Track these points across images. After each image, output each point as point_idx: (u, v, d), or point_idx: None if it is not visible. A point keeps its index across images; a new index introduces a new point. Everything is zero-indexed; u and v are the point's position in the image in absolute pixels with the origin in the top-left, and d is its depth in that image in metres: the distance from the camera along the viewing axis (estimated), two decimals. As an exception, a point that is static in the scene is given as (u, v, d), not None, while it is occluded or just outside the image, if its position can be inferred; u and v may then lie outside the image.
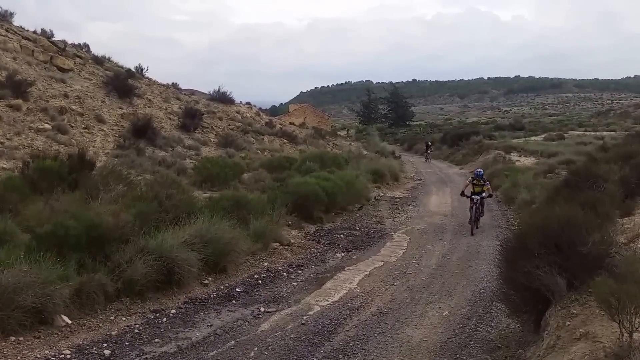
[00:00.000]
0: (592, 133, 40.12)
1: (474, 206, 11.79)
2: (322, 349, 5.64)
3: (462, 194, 12.50)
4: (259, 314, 6.68)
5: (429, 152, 33.64)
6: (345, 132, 57.10)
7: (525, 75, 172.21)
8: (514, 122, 57.50)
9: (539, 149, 28.18)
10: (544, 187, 13.76)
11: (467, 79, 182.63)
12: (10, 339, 5.33)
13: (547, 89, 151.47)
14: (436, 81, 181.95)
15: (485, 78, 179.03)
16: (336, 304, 7.10)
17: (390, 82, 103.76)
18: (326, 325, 6.31)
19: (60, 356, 5.22)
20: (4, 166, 13.41)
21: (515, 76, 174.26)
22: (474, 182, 12.40)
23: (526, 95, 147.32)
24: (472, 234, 11.32)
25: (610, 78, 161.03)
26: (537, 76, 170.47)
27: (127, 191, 9.90)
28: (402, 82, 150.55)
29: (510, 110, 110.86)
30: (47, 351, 5.27)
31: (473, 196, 11.98)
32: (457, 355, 5.45)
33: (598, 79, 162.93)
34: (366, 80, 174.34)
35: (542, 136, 39.82)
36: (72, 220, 6.85)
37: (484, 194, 12.17)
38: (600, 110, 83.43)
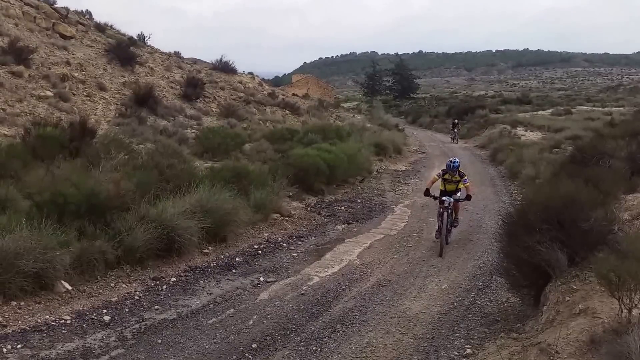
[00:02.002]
0: (600, 108, 39.60)
1: (445, 212, 8.27)
2: (321, 318, 5.69)
3: (427, 193, 8.57)
4: (258, 284, 6.72)
5: (455, 130, 28.87)
6: (355, 105, 56.49)
7: (534, 49, 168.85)
8: (521, 96, 56.69)
9: (546, 123, 27.86)
10: (549, 163, 13.64)
11: (474, 51, 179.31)
12: (11, 303, 5.38)
13: (556, 63, 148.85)
14: (443, 53, 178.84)
15: (494, 51, 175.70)
16: (335, 275, 7.13)
17: (396, 54, 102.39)
18: (325, 295, 6.35)
19: (61, 321, 5.27)
20: (6, 133, 13.36)
21: (524, 49, 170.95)
22: (445, 176, 8.64)
23: (534, 69, 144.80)
24: (441, 255, 7.94)
25: (620, 53, 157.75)
26: (546, 50, 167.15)
27: (128, 160, 9.88)
28: (408, 53, 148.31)
29: (518, 84, 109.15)
30: (47, 316, 5.33)
31: (443, 197, 8.39)
32: (455, 328, 5.48)
33: (608, 54, 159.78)
34: (371, 52, 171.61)
35: (550, 111, 39.33)
36: (72, 188, 6.84)
37: (459, 195, 8.57)
38: (610, 86, 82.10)
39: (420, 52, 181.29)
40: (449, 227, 8.52)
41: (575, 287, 4.56)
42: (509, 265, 5.51)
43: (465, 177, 8.63)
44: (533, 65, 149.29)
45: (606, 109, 38.45)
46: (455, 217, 8.75)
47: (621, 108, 38.08)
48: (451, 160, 8.65)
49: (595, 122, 25.48)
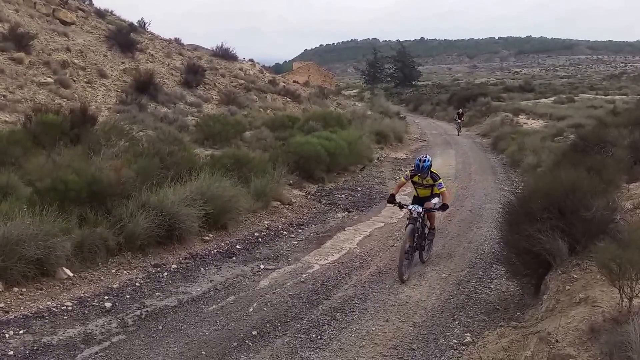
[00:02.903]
0: (603, 96, 39.39)
1: (412, 225, 6.48)
2: (320, 306, 5.71)
3: (392, 199, 6.83)
4: (258, 271, 6.74)
5: (460, 121, 26.76)
6: (356, 92, 56.14)
7: (537, 36, 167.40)
8: (524, 84, 56.40)
9: (548, 111, 27.72)
10: (551, 151, 13.58)
11: (477, 38, 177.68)
12: (13, 289, 5.41)
13: (559, 50, 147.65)
14: (445, 40, 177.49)
15: (496, 38, 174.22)
16: (335, 263, 7.14)
17: (398, 41, 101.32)
18: (325, 283, 6.37)
19: (62, 307, 5.30)
20: (7, 119, 13.33)
21: (527, 36, 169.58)
22: (415, 179, 6.88)
23: (537, 56, 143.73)
24: (402, 280, 6.32)
25: (625, 40, 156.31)
26: (549, 37, 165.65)
27: (129, 147, 9.85)
28: (410, 40, 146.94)
29: (521, 71, 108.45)
30: (49, 302, 5.35)
31: (412, 207, 6.66)
32: (455, 316, 5.50)
33: (612, 41, 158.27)
34: (372, 39, 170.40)
35: (552, 99, 39.12)
36: (73, 175, 6.83)
37: (434, 202, 6.81)
38: (613, 74, 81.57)
39: (422, 39, 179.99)
40: (418, 248, 6.81)
41: (575, 276, 4.56)
42: (510, 253, 5.51)
43: (440, 181, 6.73)
44: (536, 52, 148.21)
45: (609, 97, 38.23)
46: (431, 228, 7.13)
47: (624, 96, 37.88)
48: (420, 159, 6.68)
49: (598, 111, 25.35)
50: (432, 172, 6.77)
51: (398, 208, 6.99)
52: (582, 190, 5.08)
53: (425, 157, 6.77)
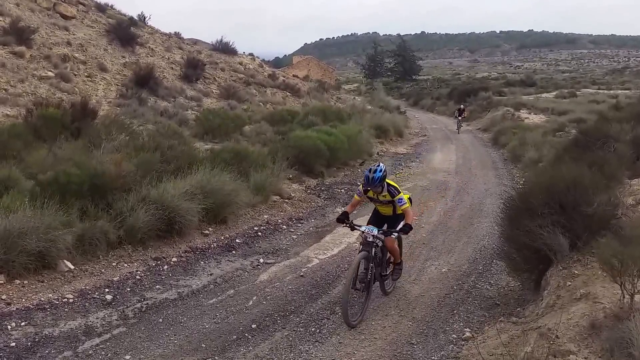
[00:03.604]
0: (605, 91, 39.29)
1: (365, 252, 5.13)
2: (320, 300, 5.72)
3: (342, 218, 5.39)
4: (258, 265, 6.74)
5: (460, 118, 24.82)
6: (356, 87, 55.97)
7: (539, 30, 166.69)
8: (525, 78, 56.23)
9: (550, 106, 27.65)
10: (553, 146, 13.55)
11: (478, 32, 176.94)
12: (15, 282, 5.42)
13: (561, 44, 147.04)
14: (446, 34, 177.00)
15: (498, 32, 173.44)
16: (335, 257, 7.14)
17: (398, 35, 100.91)
18: (324, 277, 6.37)
19: (63, 300, 5.32)
20: (8, 113, 13.32)
21: (529, 30, 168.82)
22: (369, 194, 5.50)
23: (539, 50, 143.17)
24: (349, 325, 5.02)
25: (628, 34, 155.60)
26: (551, 31, 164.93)
27: (129, 141, 9.83)
28: (411, 34, 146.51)
29: (522, 65, 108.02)
30: (50, 295, 5.37)
31: (365, 229, 5.25)
32: (454, 311, 5.50)
33: (615, 35, 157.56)
34: (373, 33, 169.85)
35: (554, 93, 39.04)
36: (74, 168, 6.83)
37: (399, 228, 5.29)
38: (616, 68, 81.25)
39: (422, 33, 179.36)
40: (383, 272, 5.51)
41: (576, 271, 4.56)
42: (510, 249, 5.50)
43: (401, 196, 5.33)
44: (537, 46, 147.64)
45: (612, 91, 38.11)
46: (395, 264, 5.68)
47: (627, 91, 37.78)
48: (371, 169, 5.25)
49: (600, 105, 25.31)
50: (388, 184, 5.34)
51: (350, 229, 5.38)
52: (583, 186, 5.06)
53: (378, 166, 5.29)
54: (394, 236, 5.45)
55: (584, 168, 5.69)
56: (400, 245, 5.82)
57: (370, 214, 5.83)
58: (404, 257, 6.04)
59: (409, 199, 5.56)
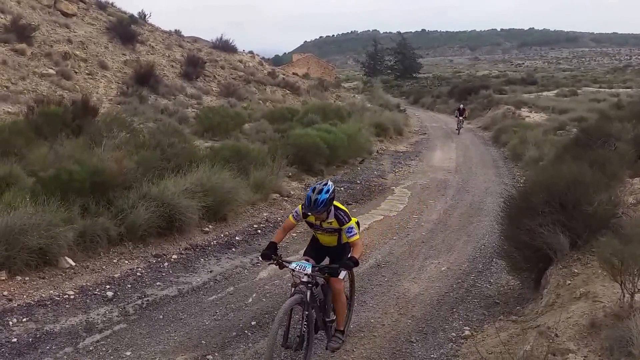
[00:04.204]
0: (607, 90, 39.19)
1: (298, 296, 3.90)
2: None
3: (266, 254, 4.10)
4: (257, 262, 6.74)
5: (461, 118, 23.74)
6: (356, 85, 55.85)
7: (540, 28, 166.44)
8: (526, 77, 56.08)
9: (551, 105, 27.62)
10: (553, 145, 13.55)
11: (479, 30, 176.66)
12: (16, 278, 5.44)
13: (562, 42, 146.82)
14: (446, 32, 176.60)
15: (498, 29, 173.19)
16: (336, 255, 7.14)
17: (398, 32, 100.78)
18: (325, 275, 6.37)
19: (65, 296, 5.33)
20: (9, 110, 13.33)
21: (530, 28, 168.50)
22: (309, 219, 4.30)
23: (540, 48, 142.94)
24: None
25: (630, 32, 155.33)
26: (552, 29, 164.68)
27: (130, 138, 9.85)
28: (411, 32, 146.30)
29: (523, 64, 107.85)
30: (51, 291, 5.38)
31: (295, 265, 3.99)
32: (454, 309, 5.51)
33: (617, 33, 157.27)
34: (373, 30, 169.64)
35: (555, 92, 38.94)
36: (75, 166, 6.85)
37: (342, 263, 4.05)
38: (617, 66, 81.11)
39: (423, 30, 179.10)
40: (325, 318, 4.23)
41: (576, 270, 4.56)
42: (510, 247, 5.50)
43: (351, 225, 4.13)
44: (538, 44, 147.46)
45: (613, 90, 38.04)
46: (336, 332, 4.32)
47: (629, 89, 37.69)
48: (315, 188, 4.07)
49: (601, 104, 25.27)
50: (337, 209, 4.17)
51: (279, 268, 4.11)
52: (584, 185, 5.07)
53: (325, 185, 4.06)
54: (341, 275, 4.11)
55: (584, 167, 5.69)
56: (352, 290, 4.59)
57: (308, 243, 4.60)
58: (404, 256, 5.93)
59: (357, 223, 4.37)
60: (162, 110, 17.01)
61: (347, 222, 4.14)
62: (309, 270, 3.91)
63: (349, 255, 4.09)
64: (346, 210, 4.28)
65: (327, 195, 4.00)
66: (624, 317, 3.31)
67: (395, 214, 9.45)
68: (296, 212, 4.31)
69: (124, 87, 18.99)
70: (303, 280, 3.92)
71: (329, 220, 4.20)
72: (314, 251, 4.47)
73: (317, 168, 12.15)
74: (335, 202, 4.19)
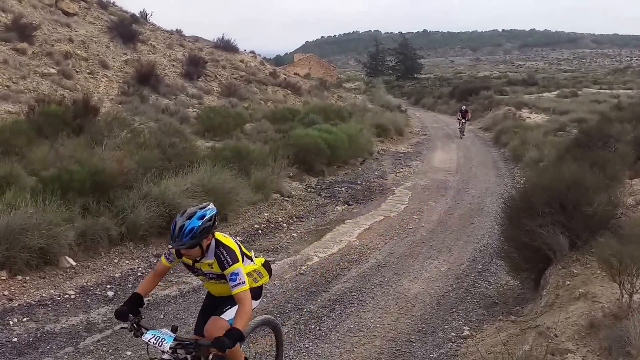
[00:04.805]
0: (607, 91, 39.17)
1: None
2: (319, 298, 5.74)
3: (125, 315, 3.01)
4: (259, 263, 6.75)
5: (464, 120, 22.30)
6: (357, 85, 55.81)
7: (541, 29, 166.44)
8: (527, 78, 56.02)
9: (551, 106, 27.61)
10: (554, 146, 13.55)
11: (480, 30, 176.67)
12: (17, 278, 5.45)
13: (563, 43, 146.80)
14: (448, 32, 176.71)
15: (500, 30, 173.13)
16: (335, 255, 7.16)
17: (400, 33, 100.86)
18: (324, 275, 6.39)
19: (65, 296, 5.35)
20: (10, 110, 13.33)
21: (531, 29, 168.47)
22: (185, 261, 3.08)
23: (541, 49, 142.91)
24: None
25: (630, 34, 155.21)
26: (553, 30, 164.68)
27: (131, 138, 9.86)
28: (412, 32, 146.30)
29: (524, 64, 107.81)
30: (52, 291, 5.40)
31: (148, 336, 2.85)
32: (454, 309, 5.52)
33: (618, 34, 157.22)
34: (374, 31, 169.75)
35: (555, 93, 38.92)
36: (76, 165, 6.87)
37: (211, 342, 2.71)
38: (618, 68, 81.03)
39: (424, 31, 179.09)
40: None
41: (576, 271, 4.58)
42: (510, 248, 5.52)
43: (236, 269, 2.92)
44: (539, 45, 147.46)
45: (613, 91, 38.02)
46: None
47: (629, 91, 37.67)
48: (184, 212, 2.94)
49: (601, 105, 25.25)
50: (218, 243, 3.02)
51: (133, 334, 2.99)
52: (584, 186, 5.08)
53: (202, 208, 2.97)
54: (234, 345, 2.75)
55: (584, 168, 5.71)
56: (279, 352, 3.62)
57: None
58: (404, 256, 5.84)
59: (264, 264, 3.36)
60: (163, 110, 17.00)
61: (231, 265, 2.88)
62: (166, 346, 2.74)
63: (229, 327, 2.78)
64: (234, 247, 3.02)
65: (200, 223, 2.82)
66: (622, 317, 3.32)
67: (395, 214, 9.47)
68: (168, 252, 3.12)
69: (125, 87, 19.00)
70: (164, 358, 2.81)
71: (208, 261, 2.97)
72: (211, 306, 3.21)
73: (318, 168, 12.17)
74: (219, 235, 3.02)
